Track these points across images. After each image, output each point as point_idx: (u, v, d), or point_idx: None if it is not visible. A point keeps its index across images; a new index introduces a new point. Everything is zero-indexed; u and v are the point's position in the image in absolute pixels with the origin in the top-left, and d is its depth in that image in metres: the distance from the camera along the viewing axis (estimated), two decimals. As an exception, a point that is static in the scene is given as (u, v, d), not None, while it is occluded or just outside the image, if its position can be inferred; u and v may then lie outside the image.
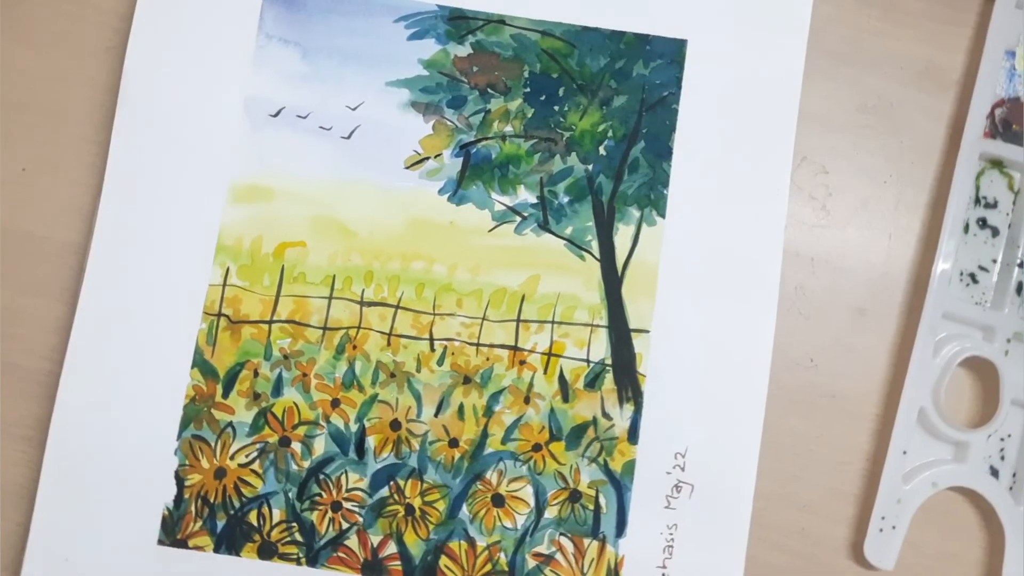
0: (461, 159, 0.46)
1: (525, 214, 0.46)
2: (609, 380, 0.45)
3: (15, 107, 0.47)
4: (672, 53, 0.46)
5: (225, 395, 0.45)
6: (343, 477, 0.45)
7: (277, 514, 0.44)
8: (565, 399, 0.45)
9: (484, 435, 0.45)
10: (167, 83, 0.46)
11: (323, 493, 0.45)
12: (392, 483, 0.45)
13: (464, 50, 0.47)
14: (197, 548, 0.44)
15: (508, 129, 0.46)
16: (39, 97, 0.47)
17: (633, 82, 0.46)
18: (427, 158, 0.46)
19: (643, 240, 0.45)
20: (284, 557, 0.44)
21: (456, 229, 0.46)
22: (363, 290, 0.45)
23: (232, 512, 0.44)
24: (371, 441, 0.45)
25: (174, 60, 0.46)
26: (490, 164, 0.46)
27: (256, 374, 0.45)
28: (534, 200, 0.46)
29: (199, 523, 0.44)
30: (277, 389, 0.45)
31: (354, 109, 0.46)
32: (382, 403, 0.45)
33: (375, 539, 0.44)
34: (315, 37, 0.47)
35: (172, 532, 0.44)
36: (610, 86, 0.46)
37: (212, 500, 0.44)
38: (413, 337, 0.45)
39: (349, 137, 0.46)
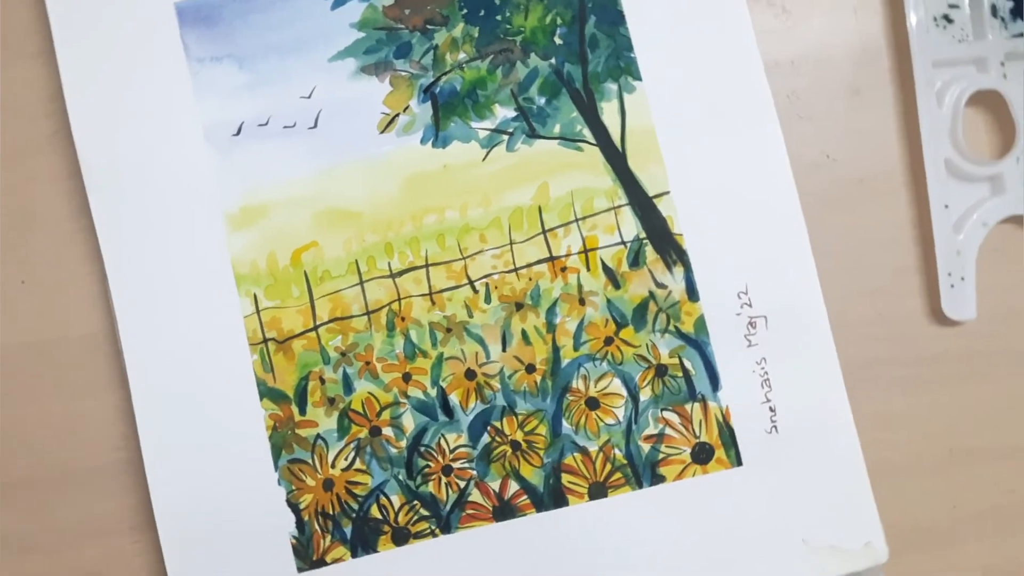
0: (429, 103, 0.46)
1: (510, 130, 0.46)
2: (650, 252, 0.45)
3: (-11, 226, 0.46)
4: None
5: (302, 412, 0.45)
6: (442, 441, 0.45)
7: (396, 500, 0.45)
8: (616, 286, 0.45)
9: (555, 350, 0.45)
10: (124, 150, 0.45)
11: (430, 463, 0.45)
12: (489, 428, 0.45)
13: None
14: (337, 561, 0.45)
15: (462, 56, 0.46)
16: (8, 208, 0.46)
17: (560, -36, 0.46)
18: (396, 115, 0.46)
19: (630, 109, 0.45)
20: (419, 536, 0.45)
21: (451, 171, 0.46)
22: (388, 263, 0.45)
23: (354, 515, 0.45)
24: (454, 398, 0.45)
25: (121, 123, 0.45)
26: (458, 96, 0.46)
27: (323, 381, 0.45)
28: (513, 113, 0.46)
29: (328, 538, 0.45)
30: (348, 386, 0.45)
31: (309, 97, 0.46)
32: (450, 360, 0.45)
33: (495, 485, 0.45)
34: (243, 44, 0.46)
35: (307, 556, 0.44)
36: (539, -23, 0.46)
37: (332, 512, 0.45)
38: (452, 288, 0.45)
39: (315, 126, 0.46)
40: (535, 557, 0.44)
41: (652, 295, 0.45)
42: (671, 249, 0.45)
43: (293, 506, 0.45)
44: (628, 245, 0.45)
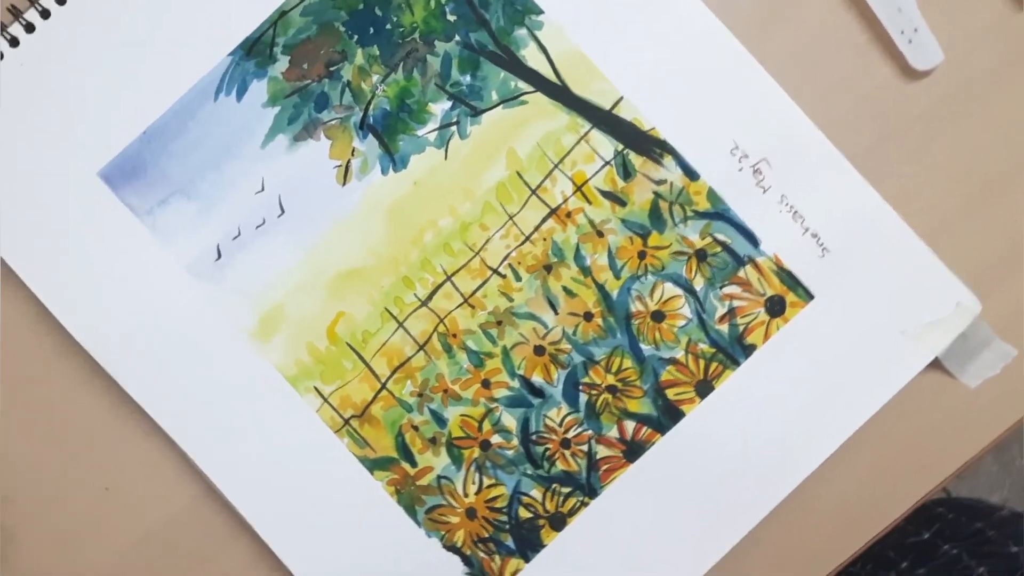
0: (370, 135, 0.46)
1: (454, 120, 0.46)
2: (635, 158, 0.46)
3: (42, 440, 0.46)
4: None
5: (413, 464, 0.46)
6: (547, 421, 0.46)
7: (536, 493, 0.46)
8: (622, 204, 0.46)
9: (600, 288, 0.46)
10: (119, 326, 0.45)
11: (548, 445, 0.46)
12: (581, 387, 0.46)
13: (282, 63, 0.46)
14: (517, 572, 0.46)
15: (375, 78, 0.46)
16: (37, 419, 0.46)
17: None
18: (348, 162, 0.46)
19: (549, 43, 0.45)
20: (573, 512, 0.46)
21: (423, 184, 0.46)
22: (415, 294, 0.46)
23: (508, 526, 0.46)
24: (536, 379, 0.46)
25: (104, 305, 0.45)
26: (393, 115, 0.46)
27: (415, 428, 0.46)
28: (449, 103, 0.46)
29: (497, 558, 0.46)
30: (440, 420, 0.46)
31: (262, 190, 0.46)
32: (514, 348, 0.46)
33: (613, 433, 0.46)
34: (178, 175, 0.45)
35: (487, 583, 0.46)
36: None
37: (487, 534, 0.46)
38: (481, 284, 0.46)
39: (283, 212, 0.46)
40: (685, 472, 0.45)
41: (657, 195, 0.46)
42: (651, 146, 0.46)
43: (452, 548, 0.46)
44: (612, 163, 0.46)
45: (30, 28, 0.45)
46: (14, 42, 0.45)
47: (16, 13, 0.45)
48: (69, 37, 0.45)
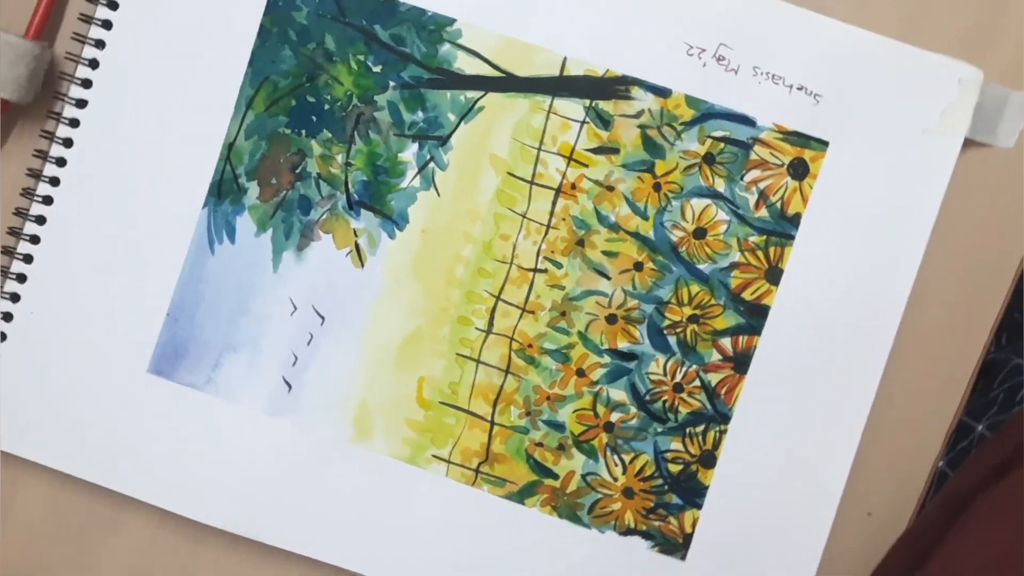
0: (362, 212, 0.46)
1: (428, 157, 0.46)
2: (605, 104, 0.46)
3: None
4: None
5: (555, 477, 0.46)
6: (650, 377, 0.46)
7: (676, 445, 0.46)
8: (615, 151, 0.46)
9: (636, 236, 0.46)
10: (227, 495, 0.46)
11: (663, 398, 0.46)
12: (665, 331, 0.46)
13: (252, 189, 0.46)
14: (697, 521, 0.46)
15: (339, 157, 0.46)
16: None
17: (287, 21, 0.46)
18: (356, 244, 0.46)
19: (470, 41, 0.46)
20: (717, 444, 0.46)
21: (430, 230, 0.46)
22: (475, 328, 0.46)
23: (667, 486, 0.46)
24: (622, 345, 0.46)
25: (208, 480, 0.46)
26: (373, 183, 0.46)
27: (540, 445, 0.46)
28: (416, 145, 0.46)
29: (672, 520, 0.46)
30: (558, 427, 0.46)
31: (295, 309, 0.46)
32: (589, 327, 0.46)
33: (715, 357, 0.46)
34: (215, 336, 0.46)
35: (677, 544, 0.46)
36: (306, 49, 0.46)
37: (652, 503, 0.46)
38: (528, 287, 0.46)
39: (323, 319, 0.46)
40: (797, 353, 0.46)
41: (642, 127, 0.46)
42: (613, 87, 0.46)
43: (628, 531, 0.46)
44: (587, 120, 0.46)
45: (22, 278, 0.46)
46: (15, 298, 0.46)
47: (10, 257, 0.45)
48: (67, 273, 0.46)
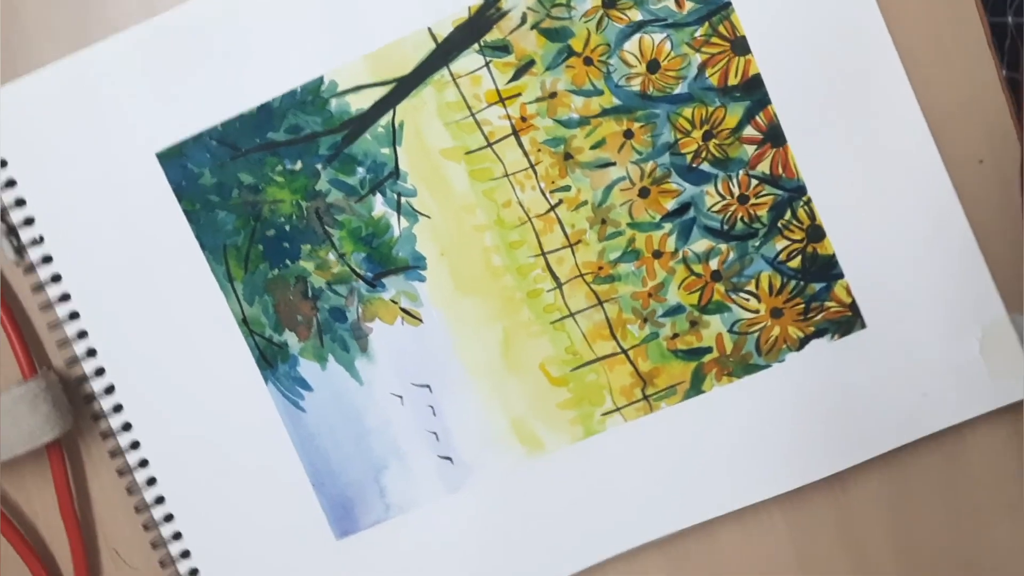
0: (384, 281, 0.46)
1: (393, 195, 0.46)
2: (492, 33, 0.45)
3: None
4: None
5: (710, 350, 0.46)
6: (712, 209, 0.45)
7: (778, 244, 0.45)
8: (531, 63, 0.45)
9: (609, 112, 0.45)
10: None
11: (729, 212, 0.45)
12: (698, 167, 0.45)
13: (289, 336, 0.46)
14: (844, 282, 0.45)
15: (332, 256, 0.46)
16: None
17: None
18: (402, 310, 0.46)
19: (343, 80, 0.45)
20: (812, 217, 0.45)
21: (447, 247, 0.46)
22: (547, 291, 0.46)
23: (803, 280, 0.45)
24: (671, 205, 0.45)
25: None
26: (375, 251, 0.46)
27: (676, 336, 0.46)
28: (379, 196, 0.46)
29: (830, 303, 0.45)
30: (678, 310, 0.46)
31: (402, 402, 0.46)
32: (635, 215, 0.45)
33: (751, 149, 0.45)
34: (364, 474, 0.47)
35: (856, 323, 0.45)
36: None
37: (803, 302, 0.45)
38: (558, 225, 0.45)
39: (426, 385, 0.46)
40: (813, 89, 0.44)
41: (535, 26, 0.45)
42: (485, 17, 0.45)
43: (805, 340, 0.45)
44: (488, 59, 0.45)
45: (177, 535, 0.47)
46: (185, 554, 0.47)
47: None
48: (204, 506, 0.47)
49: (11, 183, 0.46)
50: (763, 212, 0.45)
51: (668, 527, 0.46)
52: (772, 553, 0.47)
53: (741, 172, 0.45)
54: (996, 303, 0.44)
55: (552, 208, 0.45)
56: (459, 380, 0.46)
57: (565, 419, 0.46)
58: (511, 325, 0.46)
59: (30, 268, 0.46)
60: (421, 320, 0.46)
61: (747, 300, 0.45)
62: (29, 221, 0.46)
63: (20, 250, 0.46)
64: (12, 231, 0.46)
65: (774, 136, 0.45)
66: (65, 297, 0.46)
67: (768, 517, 0.47)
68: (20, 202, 0.46)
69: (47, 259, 0.46)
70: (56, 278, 0.46)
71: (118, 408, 0.47)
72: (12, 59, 0.46)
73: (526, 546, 0.47)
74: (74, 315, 0.47)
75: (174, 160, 0.46)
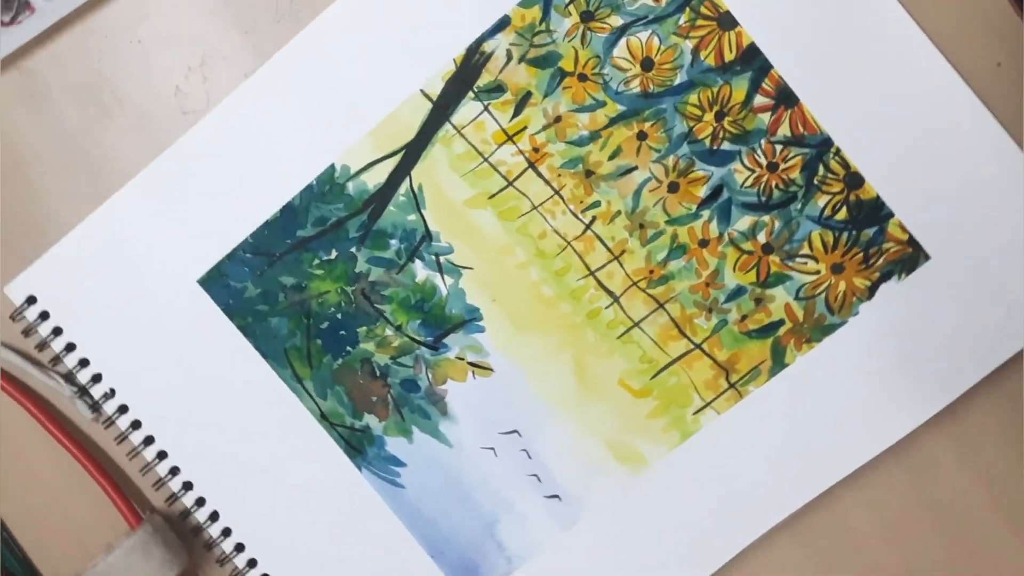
0: (446, 342, 0.46)
1: (434, 256, 0.46)
2: (483, 80, 0.45)
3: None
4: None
5: (783, 322, 0.45)
6: (745, 186, 0.45)
7: (820, 202, 0.44)
8: (528, 95, 0.45)
9: (617, 120, 0.45)
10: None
11: (763, 184, 0.44)
12: (720, 148, 0.44)
13: (371, 422, 0.47)
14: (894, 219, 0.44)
15: (388, 331, 0.46)
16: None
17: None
18: (469, 365, 0.46)
19: (352, 161, 0.45)
20: (848, 165, 0.44)
21: (497, 292, 0.46)
22: (604, 308, 0.45)
23: (855, 227, 0.44)
24: (703, 192, 0.45)
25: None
26: (428, 315, 0.46)
27: (745, 317, 0.45)
28: (419, 262, 0.46)
29: (889, 245, 0.44)
30: (739, 293, 0.45)
31: (495, 453, 0.46)
32: (670, 211, 0.45)
33: (767, 117, 0.44)
34: (477, 533, 0.47)
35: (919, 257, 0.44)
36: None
37: (860, 251, 0.44)
38: (599, 242, 0.45)
39: (518, 432, 0.46)
40: (813, 44, 0.44)
41: (523, 59, 0.45)
42: (473, 64, 0.45)
43: (872, 289, 0.44)
44: (486, 104, 0.45)
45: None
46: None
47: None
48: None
49: (71, 347, 0.47)
50: (796, 174, 0.44)
51: (790, 505, 0.46)
52: (897, 505, 0.46)
53: (763, 141, 0.44)
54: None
55: (587, 227, 0.45)
56: (544, 417, 0.46)
57: (658, 428, 0.46)
58: (579, 350, 0.46)
59: (109, 421, 0.47)
60: (492, 369, 0.46)
61: (805, 264, 0.45)
62: (97, 378, 0.47)
63: (95, 407, 0.47)
64: (83, 391, 0.47)
65: (785, 98, 0.44)
66: (149, 440, 0.47)
67: (886, 471, 0.46)
68: (84, 362, 0.47)
69: (123, 408, 0.47)
70: (136, 424, 0.47)
71: (227, 532, 0.47)
72: (41, 233, 0.47)
73: (657, 561, 0.46)
74: (162, 454, 0.47)
75: (216, 282, 0.46)
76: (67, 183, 0.47)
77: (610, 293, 0.45)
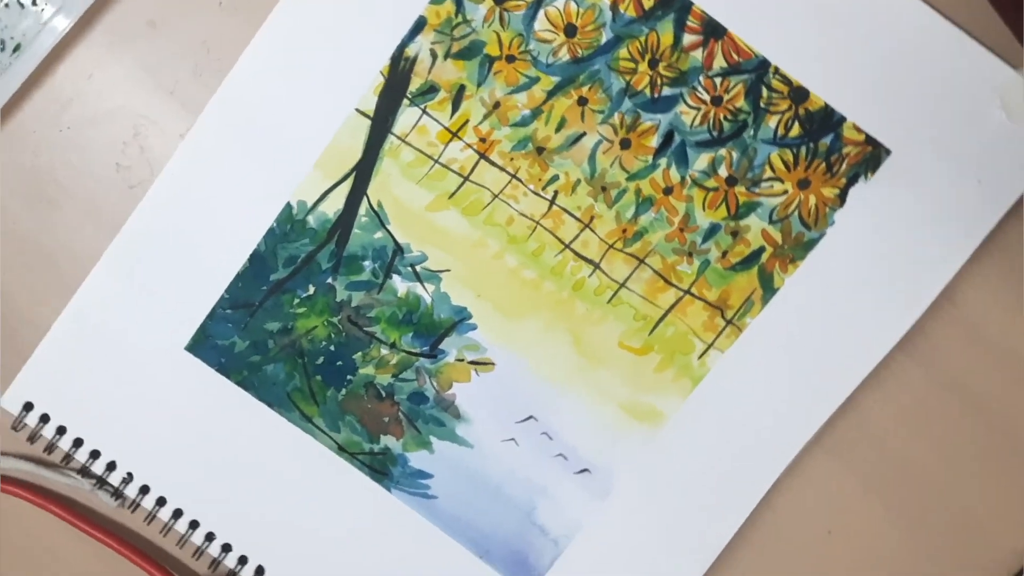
0: (443, 347, 0.46)
1: (410, 268, 0.46)
2: (414, 80, 0.44)
3: None
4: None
5: (772, 241, 0.45)
6: (694, 127, 0.44)
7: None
8: (462, 88, 0.45)
9: (554, 91, 0.44)
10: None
11: (719, 119, 0.44)
12: (659, 95, 0.44)
13: (390, 443, 0.47)
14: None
15: (383, 351, 0.46)
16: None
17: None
18: (470, 364, 0.46)
19: (304, 193, 0.45)
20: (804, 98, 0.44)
21: (480, 288, 0.46)
22: (590, 282, 0.45)
23: (804, 138, 0.44)
24: (654, 141, 0.45)
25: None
26: (420, 325, 0.46)
27: (724, 254, 0.45)
28: (398, 277, 0.46)
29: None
30: (712, 232, 0.45)
31: (513, 438, 0.47)
32: (627, 167, 0.45)
33: (700, 52, 0.44)
34: (518, 523, 0.47)
35: (882, 153, 0.44)
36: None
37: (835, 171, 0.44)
38: (566, 214, 0.45)
39: (534, 418, 0.46)
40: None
41: (447, 54, 0.44)
42: (399, 76, 0.44)
43: (842, 194, 0.44)
44: (422, 108, 0.45)
45: None
46: None
47: None
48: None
49: (79, 442, 0.47)
50: (741, 102, 0.44)
51: (816, 420, 0.46)
52: (920, 397, 0.46)
53: (702, 78, 0.44)
54: (1000, 67, 0.43)
55: (552, 202, 0.45)
56: (555, 397, 0.46)
57: (668, 380, 0.46)
58: (573, 323, 0.46)
59: (135, 504, 0.47)
60: (493, 363, 0.46)
61: (771, 187, 0.45)
62: (111, 466, 0.47)
63: (117, 494, 0.47)
64: (101, 482, 0.47)
65: (713, 30, 0.44)
66: (178, 513, 0.47)
67: (899, 368, 0.46)
68: (95, 454, 0.47)
69: (144, 489, 0.47)
70: (161, 501, 0.47)
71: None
72: (20, 338, 0.47)
73: (698, 506, 0.46)
74: (194, 524, 0.47)
75: (203, 345, 0.46)
76: (32, 282, 0.47)
77: (589, 261, 0.45)
